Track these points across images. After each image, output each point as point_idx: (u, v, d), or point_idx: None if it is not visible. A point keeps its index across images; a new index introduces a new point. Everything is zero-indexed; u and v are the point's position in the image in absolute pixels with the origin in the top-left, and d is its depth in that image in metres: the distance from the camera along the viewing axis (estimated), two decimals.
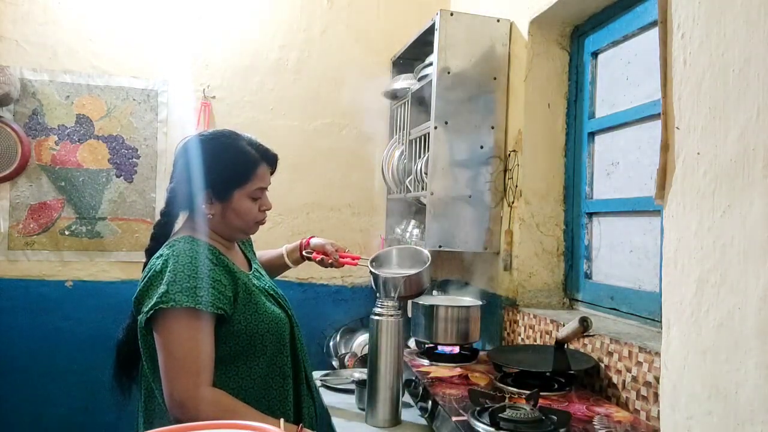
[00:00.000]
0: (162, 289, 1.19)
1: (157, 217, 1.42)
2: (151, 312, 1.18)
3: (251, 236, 1.53)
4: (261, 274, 1.52)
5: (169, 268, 1.21)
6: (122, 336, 1.40)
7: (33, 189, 2.66)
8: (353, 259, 1.77)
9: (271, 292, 1.44)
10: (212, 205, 1.34)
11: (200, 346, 1.20)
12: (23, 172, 2.63)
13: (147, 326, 1.22)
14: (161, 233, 1.38)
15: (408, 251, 1.81)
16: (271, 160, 1.42)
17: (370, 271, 1.70)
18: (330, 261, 1.73)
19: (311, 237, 1.80)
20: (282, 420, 1.16)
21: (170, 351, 1.19)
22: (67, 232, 2.69)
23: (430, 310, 1.91)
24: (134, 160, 2.75)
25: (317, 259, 1.74)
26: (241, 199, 1.36)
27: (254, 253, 1.64)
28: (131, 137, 2.75)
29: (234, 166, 1.36)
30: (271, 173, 1.44)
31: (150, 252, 1.36)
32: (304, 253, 1.76)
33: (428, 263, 1.69)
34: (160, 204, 2.73)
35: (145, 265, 1.33)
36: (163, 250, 1.28)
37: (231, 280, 1.29)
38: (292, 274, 2.79)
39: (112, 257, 2.73)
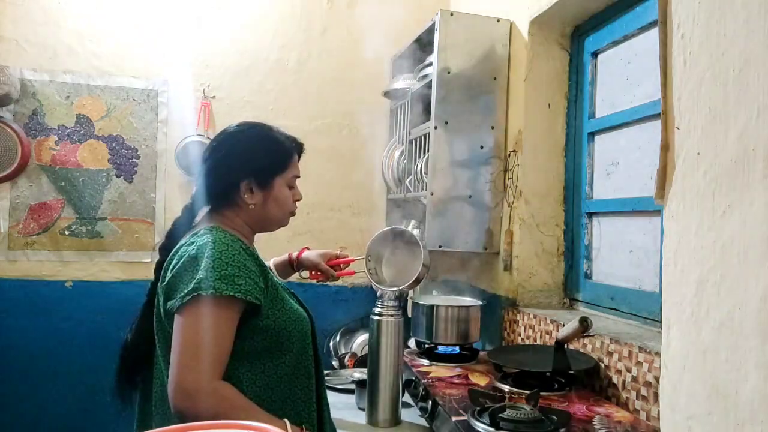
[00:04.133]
0: (200, 275, 1.14)
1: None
2: (188, 297, 1.13)
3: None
4: (275, 272, 1.53)
5: (206, 255, 1.17)
6: (129, 338, 1.34)
7: (33, 189, 2.66)
8: (347, 264, 1.74)
9: (290, 291, 1.42)
10: (253, 194, 1.32)
11: (226, 337, 1.16)
12: (23, 172, 2.64)
13: (177, 312, 1.16)
14: (178, 230, 1.34)
15: (398, 234, 1.76)
16: (300, 148, 1.43)
17: (370, 278, 1.68)
18: (321, 279, 1.72)
19: (302, 250, 1.76)
20: (287, 421, 1.16)
21: (193, 338, 1.13)
22: (67, 232, 2.69)
23: (430, 310, 1.91)
24: (134, 160, 2.76)
25: (317, 280, 1.74)
26: (281, 188, 1.35)
27: None
28: (131, 137, 2.75)
29: (274, 153, 1.36)
30: None
31: (166, 249, 1.31)
32: (299, 273, 1.75)
33: (423, 250, 1.65)
34: (160, 204, 2.76)
35: (161, 262, 1.29)
36: (194, 239, 1.24)
37: (261, 273, 1.26)
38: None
39: (112, 257, 2.73)
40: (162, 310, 1.21)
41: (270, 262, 1.70)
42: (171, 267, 1.22)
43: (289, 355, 1.28)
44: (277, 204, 1.35)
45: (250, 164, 1.32)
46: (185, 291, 1.14)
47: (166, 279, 1.20)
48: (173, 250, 1.26)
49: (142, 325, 1.32)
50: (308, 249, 1.78)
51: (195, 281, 1.14)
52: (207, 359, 1.12)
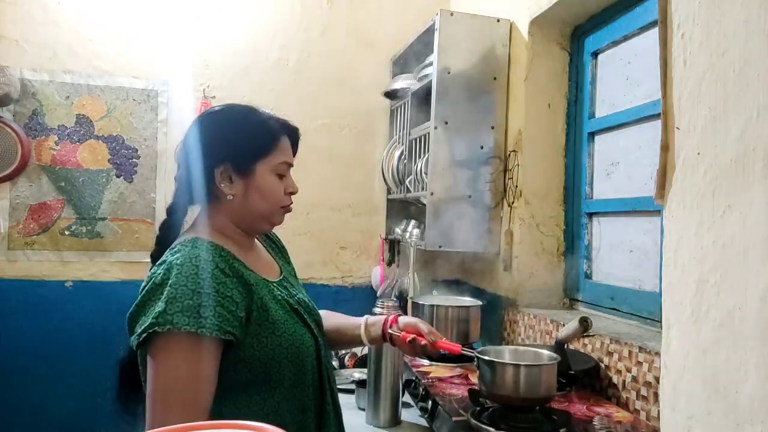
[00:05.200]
0: (159, 307, 0.98)
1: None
2: (144, 335, 0.97)
3: (278, 236, 1.38)
4: (292, 284, 1.27)
5: (170, 281, 1.00)
6: (125, 354, 1.17)
7: (33, 189, 2.66)
8: (452, 349, 1.31)
9: (297, 307, 1.18)
10: (232, 183, 1.14)
11: (199, 378, 0.99)
12: (23, 172, 2.63)
13: (139, 349, 1.02)
14: (167, 235, 1.17)
15: (525, 353, 1.39)
16: (292, 132, 1.22)
17: (477, 359, 1.30)
18: (423, 343, 1.27)
19: (398, 315, 1.37)
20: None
21: (162, 382, 0.98)
22: (67, 233, 2.69)
23: (431, 310, 1.90)
24: (134, 160, 2.75)
25: (407, 339, 1.28)
26: (265, 175, 1.15)
27: (288, 259, 1.39)
28: (131, 137, 2.75)
29: (254, 134, 1.17)
30: (293, 153, 1.24)
31: (155, 257, 1.15)
32: (390, 330, 1.31)
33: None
34: (160, 204, 2.75)
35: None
36: (166, 256, 1.07)
37: (245, 296, 1.06)
38: None
39: (112, 257, 2.73)
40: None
41: (362, 320, 1.35)
42: (139, 291, 1.05)
43: (279, 389, 1.10)
44: (260, 195, 1.15)
45: (226, 146, 1.14)
46: (143, 327, 0.98)
47: (132, 307, 1.04)
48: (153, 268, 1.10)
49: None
50: (401, 315, 1.38)
51: (153, 315, 0.97)
52: (177, 403, 0.98)
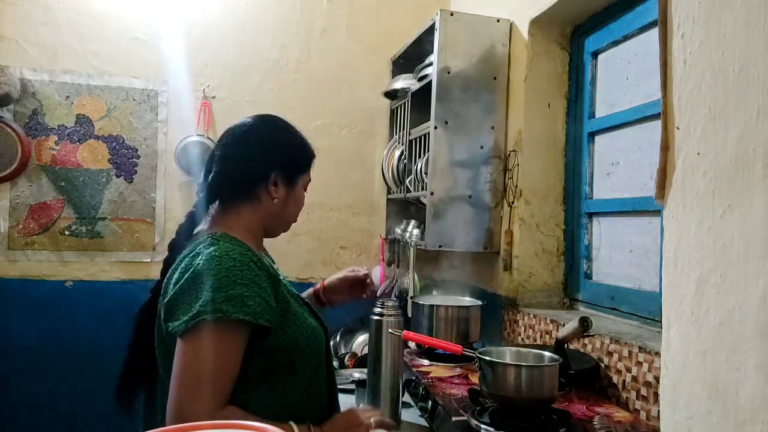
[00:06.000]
0: (206, 296, 1.04)
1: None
2: (193, 322, 1.03)
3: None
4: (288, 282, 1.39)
5: (212, 272, 1.06)
6: (129, 353, 1.24)
7: (33, 189, 2.66)
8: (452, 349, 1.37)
9: (304, 301, 1.33)
10: (278, 188, 1.24)
11: (233, 363, 1.06)
12: (23, 172, 2.63)
13: (180, 336, 1.06)
14: (192, 226, 1.24)
15: (527, 354, 1.39)
16: (314, 155, 1.35)
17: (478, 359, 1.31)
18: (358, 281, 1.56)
19: (321, 283, 1.61)
20: (292, 423, 1.09)
21: (195, 366, 1.03)
22: (67, 232, 2.69)
23: (430, 310, 1.91)
24: (134, 160, 2.75)
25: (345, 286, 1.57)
26: (300, 187, 1.29)
27: (273, 260, 1.48)
28: (131, 137, 2.75)
29: (303, 150, 1.30)
30: None
31: (176, 246, 1.22)
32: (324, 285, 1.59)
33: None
34: (160, 204, 2.75)
35: (169, 261, 1.20)
36: (199, 248, 1.12)
37: (273, 288, 1.14)
38: (292, 274, 2.80)
39: (112, 257, 2.73)
40: (163, 328, 1.11)
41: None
42: (173, 281, 1.11)
43: (301, 375, 1.19)
44: (295, 204, 1.30)
45: (282, 156, 1.25)
46: (189, 314, 1.03)
47: (168, 295, 1.10)
48: (177, 260, 1.16)
49: (140, 338, 1.22)
50: (324, 279, 1.62)
51: (200, 303, 1.04)
52: (208, 390, 1.03)
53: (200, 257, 1.10)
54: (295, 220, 1.35)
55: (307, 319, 1.23)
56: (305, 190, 1.33)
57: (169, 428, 0.54)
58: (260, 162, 1.24)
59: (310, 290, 1.59)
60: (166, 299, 1.10)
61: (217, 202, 1.25)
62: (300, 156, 1.30)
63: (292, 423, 1.09)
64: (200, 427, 0.54)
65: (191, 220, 1.25)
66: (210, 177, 1.24)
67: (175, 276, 1.11)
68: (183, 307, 1.05)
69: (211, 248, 1.10)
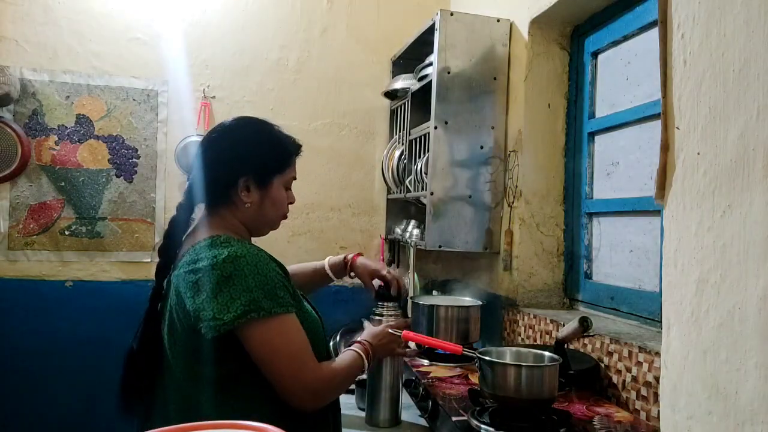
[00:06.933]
0: (246, 297, 1.11)
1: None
2: (242, 320, 1.10)
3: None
4: None
5: (245, 272, 1.12)
6: (136, 346, 1.25)
7: (33, 189, 2.66)
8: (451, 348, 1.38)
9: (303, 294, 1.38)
10: (250, 193, 1.26)
11: (300, 335, 1.17)
12: (23, 172, 2.63)
13: (245, 334, 1.13)
14: (177, 230, 1.28)
15: (527, 354, 1.38)
16: (298, 150, 1.37)
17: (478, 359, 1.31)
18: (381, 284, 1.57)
19: (356, 256, 1.64)
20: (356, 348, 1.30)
21: (278, 354, 1.13)
22: (67, 232, 2.69)
23: (430, 310, 1.91)
24: (134, 160, 2.75)
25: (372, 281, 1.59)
26: (279, 188, 1.30)
27: None
28: (131, 137, 2.75)
29: (275, 152, 1.31)
30: None
31: (165, 251, 1.26)
32: (349, 275, 1.64)
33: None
34: (160, 204, 2.75)
35: (163, 267, 1.25)
36: (216, 251, 1.15)
37: (287, 281, 1.23)
38: None
39: (112, 257, 2.73)
40: (191, 328, 1.14)
41: (325, 261, 1.64)
42: (193, 286, 1.14)
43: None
44: (273, 205, 1.30)
45: (251, 160, 1.27)
46: (234, 314, 1.10)
47: (197, 300, 1.13)
48: (183, 263, 1.18)
49: (147, 334, 1.24)
50: (361, 255, 1.65)
51: (243, 305, 1.11)
52: (304, 359, 1.16)
53: (217, 258, 1.13)
54: (284, 218, 1.36)
55: (310, 311, 1.31)
56: (288, 188, 1.34)
57: (170, 428, 0.54)
58: (229, 168, 1.26)
59: (341, 257, 1.64)
60: (195, 304, 1.13)
61: (204, 206, 1.30)
62: (272, 157, 1.30)
63: (355, 348, 1.29)
64: (200, 427, 0.54)
65: (185, 212, 1.29)
66: (188, 183, 1.30)
67: (191, 280, 1.14)
68: (215, 308, 1.10)
69: (225, 250, 1.15)
